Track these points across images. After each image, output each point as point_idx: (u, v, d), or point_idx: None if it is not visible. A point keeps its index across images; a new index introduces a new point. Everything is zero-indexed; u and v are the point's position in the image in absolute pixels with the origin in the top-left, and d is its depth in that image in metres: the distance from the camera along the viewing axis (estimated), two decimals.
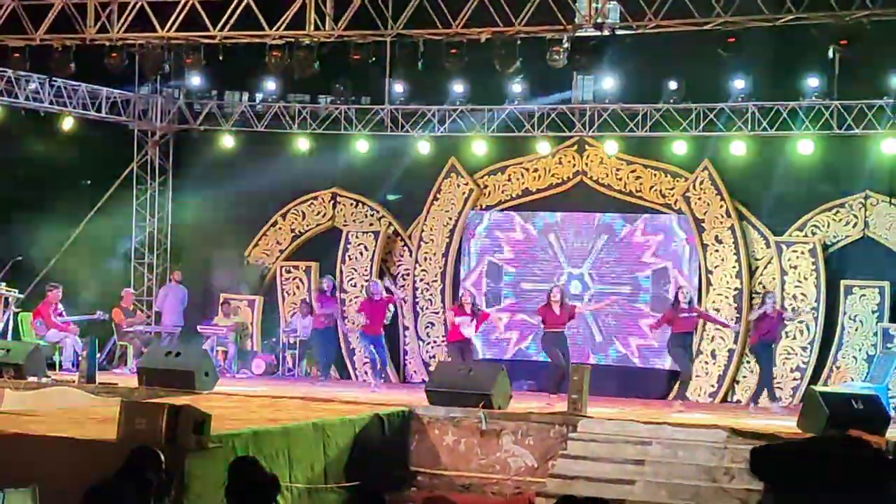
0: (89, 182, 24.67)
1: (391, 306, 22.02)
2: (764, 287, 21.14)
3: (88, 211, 23.97)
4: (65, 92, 22.76)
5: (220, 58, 20.67)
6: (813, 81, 20.65)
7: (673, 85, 21.31)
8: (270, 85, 23.62)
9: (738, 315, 21.06)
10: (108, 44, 20.25)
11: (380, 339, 21.50)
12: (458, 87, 22.58)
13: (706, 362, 21.41)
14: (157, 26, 19.43)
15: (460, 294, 21.10)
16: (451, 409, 17.60)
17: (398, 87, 22.96)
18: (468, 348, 20.39)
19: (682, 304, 19.34)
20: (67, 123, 23.00)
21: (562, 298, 19.68)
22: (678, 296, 19.43)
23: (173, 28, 19.49)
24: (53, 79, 22.14)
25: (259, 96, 24.44)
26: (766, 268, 21.41)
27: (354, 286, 23.38)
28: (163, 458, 7.72)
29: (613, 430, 17.06)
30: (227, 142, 24.14)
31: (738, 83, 21.02)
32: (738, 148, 21.17)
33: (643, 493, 15.91)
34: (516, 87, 22.12)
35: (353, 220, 24.11)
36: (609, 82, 21.56)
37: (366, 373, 22.69)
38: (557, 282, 21.33)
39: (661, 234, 22.01)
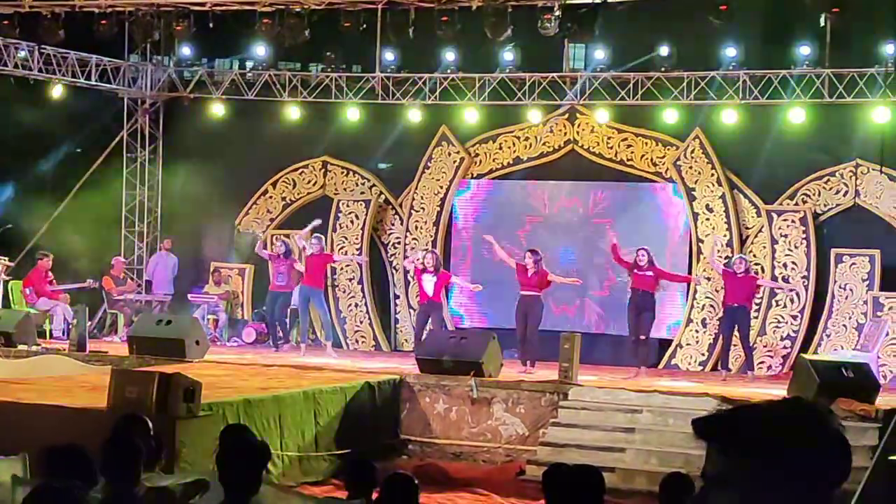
0: (79, 150, 24.60)
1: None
2: (755, 255, 21.17)
3: (78, 179, 23.92)
4: (54, 60, 22.66)
5: (211, 25, 20.62)
6: (804, 49, 20.63)
7: (664, 51, 21.23)
8: (261, 53, 23.52)
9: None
10: (97, 11, 20.19)
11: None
12: (449, 56, 22.52)
13: (696, 331, 21.44)
14: None
15: (423, 255, 20.93)
16: (441, 377, 17.62)
17: (389, 56, 22.89)
18: (435, 310, 20.41)
19: (639, 263, 19.39)
20: (57, 91, 22.93)
21: (535, 263, 19.54)
22: (638, 255, 19.42)
23: None
24: (43, 46, 22.03)
25: (249, 64, 24.37)
26: (756, 236, 21.43)
27: (345, 255, 23.33)
28: (151, 425, 7.72)
29: (604, 398, 17.10)
30: (218, 110, 24.07)
31: (730, 51, 20.99)
32: (729, 116, 21.15)
33: (633, 460, 15.97)
34: (508, 55, 22.07)
35: (344, 189, 24.07)
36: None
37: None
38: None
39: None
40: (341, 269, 23.49)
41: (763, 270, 21.01)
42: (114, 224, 24.77)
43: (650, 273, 19.37)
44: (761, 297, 20.92)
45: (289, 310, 22.41)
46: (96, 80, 23.46)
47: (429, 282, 20.18)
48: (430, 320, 20.43)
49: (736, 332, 19.40)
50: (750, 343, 19.81)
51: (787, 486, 2.84)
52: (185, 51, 24.13)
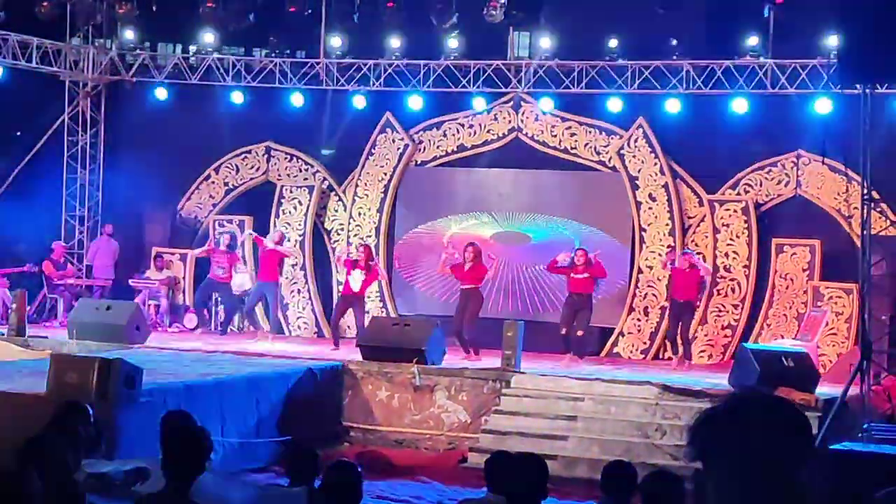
0: (19, 133, 24.34)
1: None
2: (697, 245, 21.29)
3: (18, 163, 23.67)
4: None
5: (154, 8, 20.48)
6: (748, 40, 20.73)
7: (613, 43, 21.28)
8: (205, 37, 23.34)
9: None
10: None
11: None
12: (394, 42, 22.45)
13: (638, 319, 21.53)
14: None
15: (356, 247, 21.00)
16: (384, 364, 17.61)
17: (334, 41, 22.79)
18: (358, 304, 20.39)
19: (577, 264, 19.50)
20: None
21: (473, 258, 19.61)
22: (576, 256, 19.56)
23: None
24: None
25: (193, 48, 24.18)
26: (698, 226, 21.54)
27: (288, 241, 23.25)
28: (91, 412, 7.65)
29: (546, 385, 17.16)
30: (160, 94, 23.87)
31: (674, 41, 21.06)
32: (672, 106, 21.23)
33: (575, 448, 16.04)
34: (453, 42, 22.04)
35: (288, 175, 23.97)
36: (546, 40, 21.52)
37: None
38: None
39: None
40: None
41: (705, 260, 21.14)
42: (54, 208, 24.53)
43: (586, 275, 19.55)
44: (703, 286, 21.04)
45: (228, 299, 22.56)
46: (37, 63, 23.18)
47: (357, 279, 20.15)
48: (350, 312, 20.51)
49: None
50: (689, 336, 20.00)
51: (759, 472, 2.91)
52: (128, 34, 23.90)
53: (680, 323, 19.73)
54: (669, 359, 20.15)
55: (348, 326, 22.75)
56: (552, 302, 21.07)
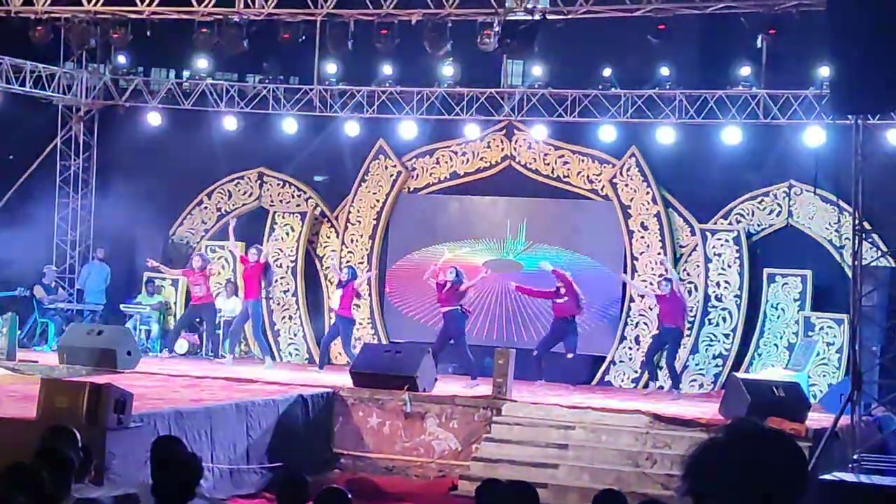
0: (11, 157, 24.32)
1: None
2: (688, 274, 21.33)
3: (11, 186, 23.65)
4: None
5: (148, 34, 20.49)
6: (741, 70, 20.79)
7: (607, 72, 21.34)
8: (199, 63, 23.37)
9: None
10: (33, 17, 20.00)
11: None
12: (387, 69, 22.50)
13: (630, 348, 21.53)
14: (84, 0, 19.18)
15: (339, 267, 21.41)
16: (375, 390, 17.58)
17: (328, 68, 22.84)
18: (343, 325, 20.84)
19: (560, 291, 19.72)
20: None
21: (451, 281, 19.72)
22: (558, 284, 19.74)
23: (100, 2, 19.25)
24: None
25: (186, 74, 24.20)
26: (690, 255, 21.56)
27: (280, 266, 23.26)
28: (80, 437, 7.63)
29: (537, 413, 17.13)
30: (154, 119, 23.86)
31: (667, 70, 21.13)
32: (665, 135, 21.27)
33: (566, 476, 16.00)
34: (447, 70, 22.10)
35: (280, 201, 23.98)
36: (538, 69, 21.58)
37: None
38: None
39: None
40: (276, 280, 23.38)
41: (696, 289, 21.17)
42: (46, 232, 24.48)
43: (566, 298, 19.69)
44: (694, 316, 21.06)
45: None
46: (31, 87, 23.19)
47: (335, 296, 20.45)
48: (339, 335, 20.90)
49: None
50: (674, 363, 20.03)
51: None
52: (122, 59, 23.92)
53: (664, 350, 19.87)
54: (660, 387, 20.23)
55: (339, 353, 22.77)
56: (545, 330, 21.02)
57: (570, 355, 19.62)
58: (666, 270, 20.58)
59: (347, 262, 22.27)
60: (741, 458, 2.99)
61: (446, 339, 19.78)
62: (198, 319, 22.63)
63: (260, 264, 21.25)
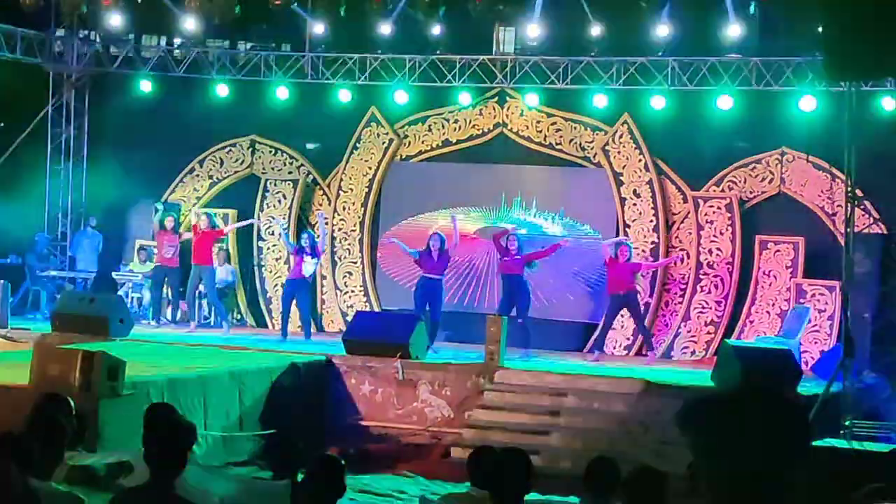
0: (2, 125, 24.23)
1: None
2: (681, 241, 21.34)
3: (1, 154, 23.57)
4: None
5: (139, 0, 20.41)
6: (734, 36, 20.70)
7: (596, 30, 21.14)
8: (190, 29, 23.21)
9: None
10: None
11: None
12: (380, 36, 22.38)
13: (623, 315, 21.52)
14: None
15: (304, 237, 21.15)
16: (367, 358, 17.60)
17: (319, 34, 22.71)
18: (302, 289, 20.70)
19: (511, 250, 19.63)
20: None
21: (441, 246, 19.71)
22: (508, 243, 19.68)
23: None
24: None
25: (178, 41, 24.09)
26: (682, 222, 21.55)
27: (272, 234, 23.24)
28: (73, 404, 7.63)
29: (530, 380, 17.17)
30: (145, 86, 23.77)
31: (659, 35, 21.02)
32: (657, 102, 21.23)
33: (558, 443, 16.06)
34: (438, 36, 21.98)
35: (272, 168, 23.93)
36: (532, 31, 21.43)
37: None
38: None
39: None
40: (267, 248, 23.37)
41: (689, 256, 21.18)
42: (38, 200, 24.42)
43: (518, 258, 19.59)
44: (686, 283, 21.08)
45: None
46: (21, 54, 23.09)
47: (309, 263, 20.47)
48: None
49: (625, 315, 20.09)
50: (645, 324, 20.06)
51: (763, 457, 2.94)
52: (114, 21, 23.80)
53: (629, 313, 20.03)
54: (644, 354, 20.29)
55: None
56: (537, 297, 21.01)
57: (519, 321, 19.47)
58: (627, 236, 20.64)
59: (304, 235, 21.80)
60: (745, 411, 2.98)
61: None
62: (165, 278, 22.35)
63: (209, 232, 21.23)
